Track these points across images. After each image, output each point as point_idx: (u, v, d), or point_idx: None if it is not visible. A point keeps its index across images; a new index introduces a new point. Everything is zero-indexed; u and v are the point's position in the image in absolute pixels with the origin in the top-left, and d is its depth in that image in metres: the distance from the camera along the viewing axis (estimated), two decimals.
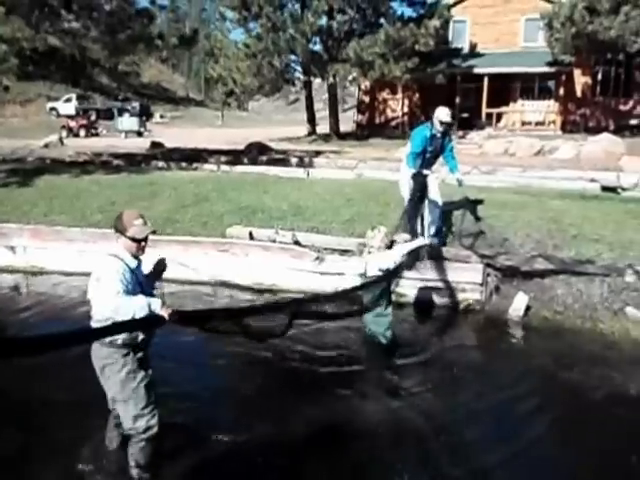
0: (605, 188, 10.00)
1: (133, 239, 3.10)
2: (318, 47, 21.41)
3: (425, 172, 6.49)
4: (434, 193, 6.64)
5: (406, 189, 6.60)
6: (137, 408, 3.20)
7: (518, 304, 6.11)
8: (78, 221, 8.10)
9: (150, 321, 2.89)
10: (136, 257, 3.19)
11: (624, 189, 10.41)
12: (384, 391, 4.81)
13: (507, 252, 6.52)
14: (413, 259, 5.15)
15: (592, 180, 10.70)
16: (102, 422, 3.56)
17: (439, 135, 6.44)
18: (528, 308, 6.15)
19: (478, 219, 6.92)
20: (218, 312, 3.17)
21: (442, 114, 6.29)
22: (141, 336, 3.18)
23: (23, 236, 7.88)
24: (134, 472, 3.31)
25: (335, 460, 3.69)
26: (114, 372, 3.16)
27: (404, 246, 4.94)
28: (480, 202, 7.63)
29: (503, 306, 6.27)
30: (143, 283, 3.20)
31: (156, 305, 2.87)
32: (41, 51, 9.95)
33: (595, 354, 5.32)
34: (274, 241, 7.25)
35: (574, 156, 15.97)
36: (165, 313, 2.85)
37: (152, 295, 3.14)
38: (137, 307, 2.84)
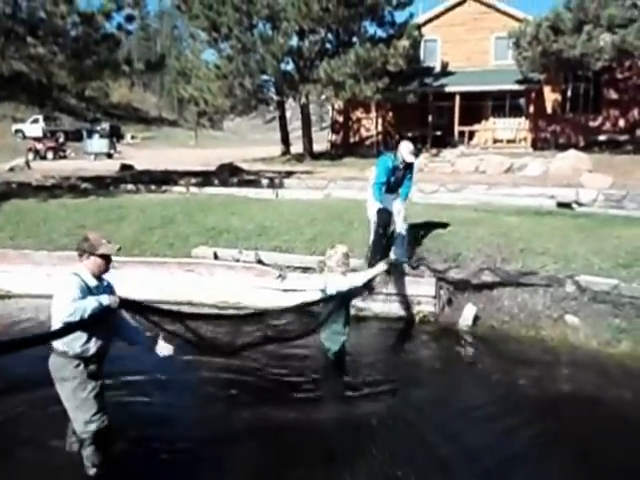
0: (560, 204, 10.78)
1: (104, 256, 3.62)
2: (291, 67, 22.26)
3: (391, 209, 7.01)
4: (400, 225, 7.17)
5: (372, 219, 7.05)
6: (88, 414, 3.67)
7: (467, 315, 6.76)
8: (45, 244, 8.55)
9: (102, 313, 3.42)
10: (98, 278, 3.67)
11: (580, 204, 11.23)
12: (342, 397, 5.30)
13: (458, 266, 7.18)
14: (367, 286, 5.62)
15: (552, 197, 11.50)
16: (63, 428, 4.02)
17: (402, 166, 6.96)
18: (477, 318, 6.80)
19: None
20: (163, 311, 3.71)
21: (406, 154, 6.77)
22: (92, 350, 3.64)
23: None
24: (90, 472, 3.80)
25: (289, 457, 4.22)
26: (67, 381, 3.64)
27: (365, 273, 5.46)
28: (438, 224, 8.30)
29: (455, 317, 6.92)
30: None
31: (105, 299, 3.43)
32: (7, 76, 10.33)
33: (534, 359, 5.96)
34: (238, 260, 7.81)
35: (542, 173, 16.87)
36: (113, 302, 3.42)
37: None
38: (90, 306, 3.36)
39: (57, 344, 3.60)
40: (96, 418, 3.69)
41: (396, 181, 7.07)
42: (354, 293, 5.55)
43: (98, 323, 3.48)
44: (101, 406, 3.74)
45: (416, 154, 6.93)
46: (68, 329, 3.39)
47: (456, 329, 6.78)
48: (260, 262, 7.77)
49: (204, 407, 4.99)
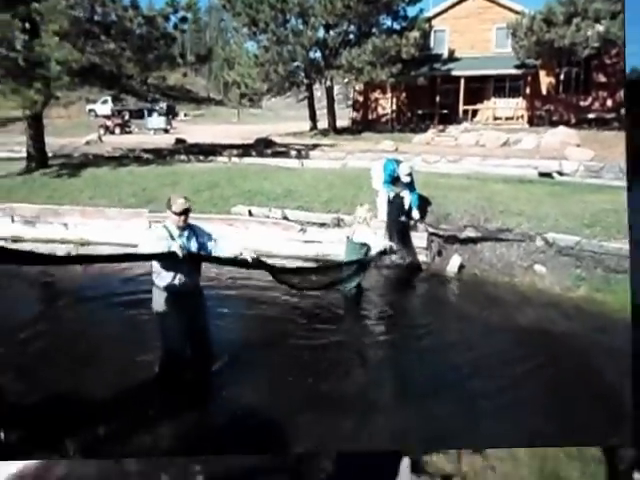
0: (542, 174, 10.74)
1: (174, 212, 3.87)
2: (318, 55, 22.05)
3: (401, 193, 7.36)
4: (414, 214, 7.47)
5: (384, 204, 7.47)
6: (171, 341, 3.97)
7: (453, 264, 7.02)
8: (116, 203, 9.05)
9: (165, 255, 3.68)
10: (181, 229, 3.89)
11: (562, 174, 11.17)
12: (358, 323, 5.72)
13: (447, 223, 7.39)
14: (379, 255, 5.92)
15: (536, 168, 11.45)
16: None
17: None
18: (462, 267, 7.05)
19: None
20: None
21: (402, 175, 7.21)
22: (177, 285, 3.87)
23: (74, 215, 8.86)
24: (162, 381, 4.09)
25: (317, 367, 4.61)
26: (158, 310, 3.96)
27: (378, 242, 5.77)
28: (434, 189, 8.43)
29: (443, 265, 7.19)
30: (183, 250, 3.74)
31: (175, 246, 3.68)
32: (86, 67, 10.78)
33: (507, 300, 6.23)
34: (268, 217, 8.17)
35: (535, 147, 16.55)
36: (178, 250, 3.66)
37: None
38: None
39: (154, 278, 3.94)
40: (177, 346, 3.99)
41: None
42: (371, 260, 5.95)
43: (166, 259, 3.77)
44: (184, 337, 4.00)
45: (410, 174, 7.27)
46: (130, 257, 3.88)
47: (444, 275, 7.06)
48: (286, 218, 8.12)
49: (249, 333, 5.41)
